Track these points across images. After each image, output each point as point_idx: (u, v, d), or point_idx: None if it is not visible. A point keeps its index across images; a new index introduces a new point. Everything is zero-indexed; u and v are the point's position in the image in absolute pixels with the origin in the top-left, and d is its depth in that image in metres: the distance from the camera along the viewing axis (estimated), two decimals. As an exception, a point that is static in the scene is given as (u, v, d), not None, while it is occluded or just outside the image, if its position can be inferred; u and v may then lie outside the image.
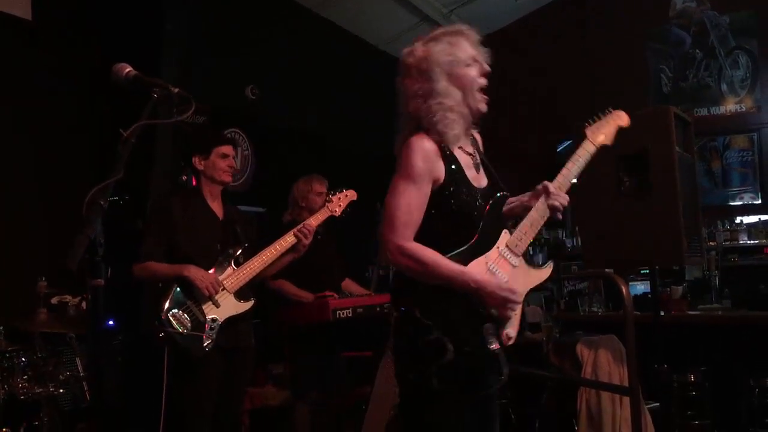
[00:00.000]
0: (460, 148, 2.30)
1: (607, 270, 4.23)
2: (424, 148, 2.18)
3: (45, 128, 4.55)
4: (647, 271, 4.89)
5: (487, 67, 2.32)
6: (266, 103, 5.95)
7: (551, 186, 2.34)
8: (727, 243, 6.01)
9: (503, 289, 2.15)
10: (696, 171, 4.22)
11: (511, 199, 2.43)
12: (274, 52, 6.03)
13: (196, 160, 3.51)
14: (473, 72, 2.28)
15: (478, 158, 2.38)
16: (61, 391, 3.61)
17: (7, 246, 4.16)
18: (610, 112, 2.62)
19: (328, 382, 4.36)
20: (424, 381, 2.12)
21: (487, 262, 2.21)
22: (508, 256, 2.26)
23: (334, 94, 6.74)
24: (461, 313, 2.15)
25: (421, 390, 2.15)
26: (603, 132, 2.54)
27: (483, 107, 2.31)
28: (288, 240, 3.53)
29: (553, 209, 2.33)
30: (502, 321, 2.20)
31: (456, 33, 2.31)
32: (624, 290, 3.41)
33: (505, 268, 2.24)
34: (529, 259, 2.39)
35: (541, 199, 2.33)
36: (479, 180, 2.34)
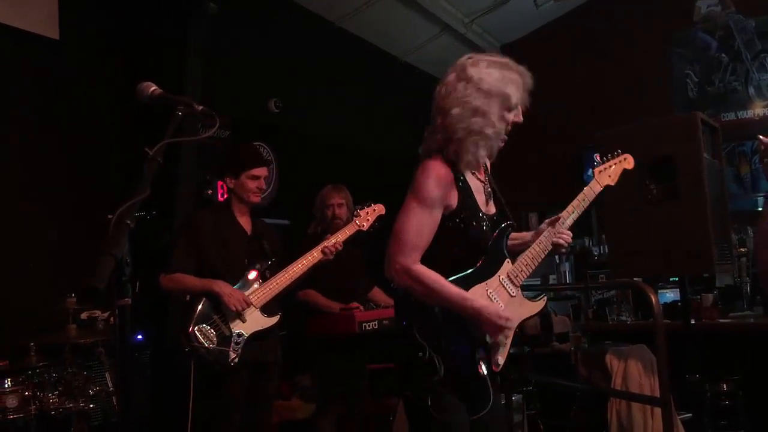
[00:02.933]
0: (473, 173, 2.35)
1: (635, 279, 4.18)
2: (439, 174, 2.21)
3: (73, 146, 4.61)
4: (676, 279, 4.82)
5: (521, 119, 2.34)
6: (289, 115, 5.99)
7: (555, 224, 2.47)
8: (758, 249, 5.87)
9: (500, 317, 2.19)
10: (724, 176, 4.15)
11: (514, 235, 2.48)
12: (297, 65, 6.06)
13: (227, 179, 3.57)
14: (511, 117, 2.30)
15: (489, 186, 2.43)
16: (91, 405, 3.65)
17: (36, 263, 4.21)
18: (619, 153, 2.76)
19: (353, 394, 4.35)
20: (417, 398, 2.20)
21: (487, 289, 2.29)
22: (508, 286, 2.34)
23: (357, 105, 6.75)
24: (455, 335, 2.20)
25: (418, 406, 2.21)
26: (609, 173, 2.70)
27: (500, 145, 2.33)
28: (315, 255, 3.57)
29: (556, 246, 2.44)
30: (493, 347, 2.27)
31: (518, 72, 2.31)
32: (653, 300, 3.35)
33: (503, 297, 2.32)
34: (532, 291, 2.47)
35: (546, 233, 2.43)
36: (488, 207, 2.39)
